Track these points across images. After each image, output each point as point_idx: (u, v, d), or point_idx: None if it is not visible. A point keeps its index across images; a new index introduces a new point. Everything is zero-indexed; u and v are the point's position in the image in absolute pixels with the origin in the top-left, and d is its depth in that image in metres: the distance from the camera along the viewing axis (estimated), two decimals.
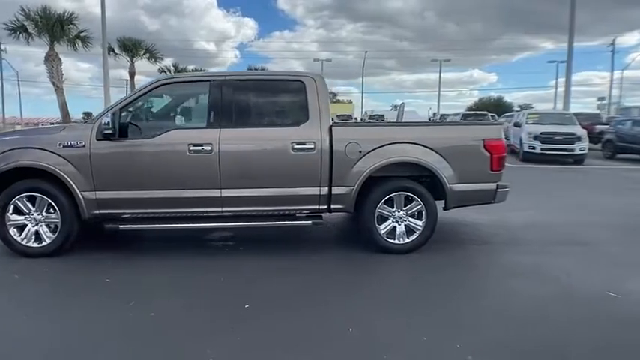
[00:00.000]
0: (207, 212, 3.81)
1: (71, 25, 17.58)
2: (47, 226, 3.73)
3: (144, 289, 3.14)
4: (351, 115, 32.84)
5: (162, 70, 32.42)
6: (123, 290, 3.12)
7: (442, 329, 2.56)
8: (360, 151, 3.75)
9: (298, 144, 3.68)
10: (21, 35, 17.17)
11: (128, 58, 23.32)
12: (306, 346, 2.38)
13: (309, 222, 3.81)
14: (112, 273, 3.45)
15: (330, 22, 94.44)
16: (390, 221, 3.90)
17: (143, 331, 2.52)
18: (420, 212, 3.88)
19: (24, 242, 3.70)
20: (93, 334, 2.49)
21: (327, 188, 3.77)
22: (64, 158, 3.63)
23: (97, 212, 3.73)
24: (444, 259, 3.83)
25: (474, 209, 5.74)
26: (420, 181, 3.92)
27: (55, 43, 17.42)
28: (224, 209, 3.78)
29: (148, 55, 23.93)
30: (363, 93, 50.07)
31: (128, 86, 29.75)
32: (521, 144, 12.58)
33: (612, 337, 2.48)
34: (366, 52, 52.59)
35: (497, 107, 42.81)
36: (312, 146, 3.69)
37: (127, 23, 77.41)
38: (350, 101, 68.76)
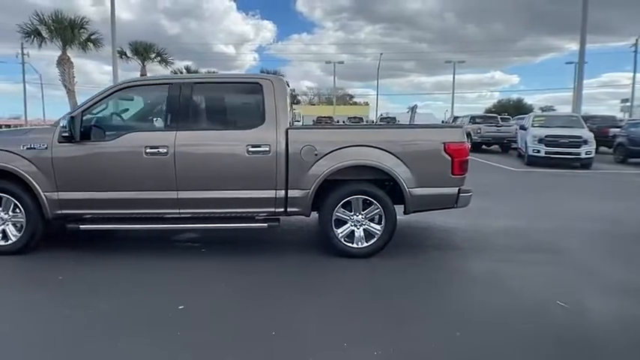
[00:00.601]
0: (164, 214, 3.89)
1: (82, 29, 18.18)
2: (13, 225, 3.89)
3: (90, 289, 3.23)
4: (362, 118, 32.75)
5: (174, 73, 33.19)
6: (70, 289, 3.23)
7: (370, 336, 2.55)
8: (316, 154, 3.76)
9: (253, 146, 3.73)
10: (35, 39, 17.87)
11: (139, 62, 23.93)
12: (212, 347, 2.40)
13: (265, 225, 3.85)
14: (68, 271, 3.56)
15: (348, 24, 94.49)
16: (348, 225, 3.90)
17: (68, 330, 2.59)
18: (379, 216, 3.87)
19: None
20: (16, 330, 2.58)
21: (283, 191, 3.80)
22: (28, 160, 3.77)
23: (60, 212, 3.86)
24: (402, 264, 3.80)
25: (457, 213, 5.73)
26: (382, 185, 3.91)
27: (67, 46, 18.04)
28: (181, 211, 3.86)
29: (159, 58, 24.50)
30: (378, 95, 49.81)
31: None
32: (526, 147, 12.33)
33: (543, 352, 2.42)
34: (381, 54, 52.33)
35: (517, 109, 41.97)
36: (268, 149, 3.73)
37: (148, 27, 79.42)
38: (367, 103, 68.69)
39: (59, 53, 18.30)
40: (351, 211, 3.88)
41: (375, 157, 3.77)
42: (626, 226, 5.24)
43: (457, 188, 3.91)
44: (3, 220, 3.87)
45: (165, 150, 3.72)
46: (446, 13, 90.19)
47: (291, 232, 4.83)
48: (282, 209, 3.85)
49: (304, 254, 4.04)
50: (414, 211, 4.01)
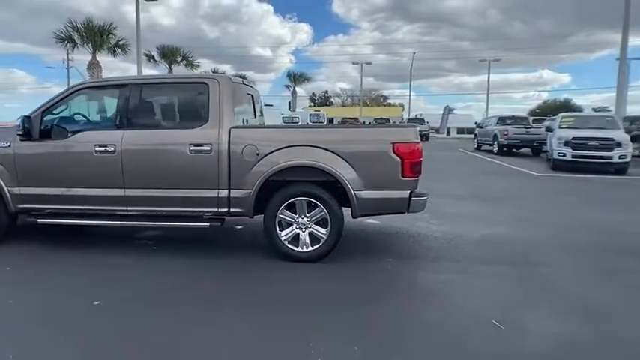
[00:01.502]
0: (114, 211, 4.00)
1: (110, 35, 19.26)
2: None
3: (27, 280, 3.40)
4: (389, 119, 32.24)
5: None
6: (8, 279, 3.40)
7: (255, 345, 2.48)
8: (258, 154, 3.73)
9: (195, 145, 3.75)
10: (68, 44, 19.16)
11: (167, 64, 24.96)
12: (113, 345, 2.43)
13: (207, 224, 3.86)
14: (17, 263, 3.76)
15: (385, 25, 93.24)
16: (293, 227, 3.83)
17: None
18: (324, 220, 3.77)
19: None
20: None
21: (226, 191, 3.80)
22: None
23: (22, 206, 4.08)
24: (345, 271, 3.67)
25: (442, 219, 5.51)
26: (331, 188, 3.80)
27: (97, 51, 19.18)
28: (128, 208, 3.95)
29: (185, 61, 25.45)
30: (410, 96, 48.91)
31: None
32: (551, 150, 11.63)
33: None
34: (414, 53, 51.01)
35: (564, 110, 39.65)
36: (209, 148, 3.74)
37: (189, 32, 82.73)
38: (402, 105, 67.62)
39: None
40: (295, 214, 3.81)
41: (318, 158, 3.67)
42: (624, 240, 4.76)
43: (408, 192, 3.73)
44: None
45: (112, 149, 3.83)
46: (489, 10, 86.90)
47: (254, 234, 4.81)
48: (226, 209, 3.85)
49: (252, 256, 3.99)
50: (363, 215, 3.87)
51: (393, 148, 3.65)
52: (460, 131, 42.47)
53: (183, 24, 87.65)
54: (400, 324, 2.74)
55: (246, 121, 4.43)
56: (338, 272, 3.65)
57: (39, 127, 3.90)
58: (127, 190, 3.88)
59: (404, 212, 3.80)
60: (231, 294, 3.21)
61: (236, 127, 3.82)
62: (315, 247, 3.80)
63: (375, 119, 31.74)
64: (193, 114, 3.98)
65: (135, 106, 3.92)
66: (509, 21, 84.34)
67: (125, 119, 3.91)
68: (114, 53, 19.89)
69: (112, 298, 3.04)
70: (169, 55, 24.61)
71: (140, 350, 2.40)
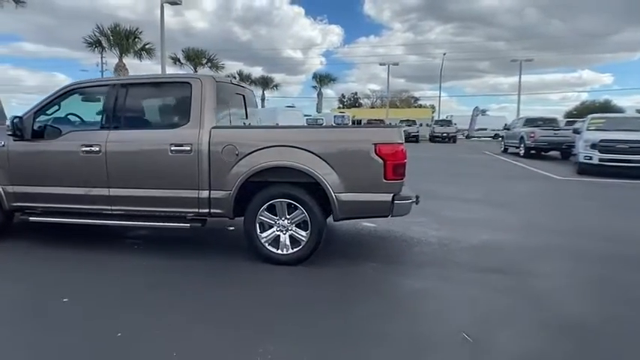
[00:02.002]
0: (100, 210, 4.08)
1: (137, 39, 19.94)
2: None
3: (4, 277, 3.53)
4: (415, 121, 31.66)
5: (227, 77, 34.99)
6: None
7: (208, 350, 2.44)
8: (237, 154, 3.71)
9: (176, 145, 3.77)
10: (96, 48, 20.01)
11: (192, 67, 25.58)
12: (64, 343, 2.46)
13: (188, 225, 3.87)
14: (4, 259, 3.93)
15: (418, 25, 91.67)
16: (273, 229, 3.78)
17: None
18: (304, 222, 3.71)
19: None
20: None
21: (206, 191, 3.80)
22: None
23: (16, 204, 4.25)
24: (325, 275, 3.59)
25: (443, 223, 5.33)
26: (313, 190, 3.72)
27: (124, 54, 19.91)
28: (113, 208, 4.02)
29: (209, 64, 25.99)
30: (440, 97, 48.03)
31: None
32: (577, 153, 11.05)
33: None
34: (444, 54, 49.81)
35: (604, 112, 37.73)
36: (189, 148, 3.75)
37: (222, 35, 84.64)
38: (432, 106, 66.51)
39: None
40: (276, 215, 3.76)
41: (297, 159, 3.61)
42: (636, 249, 4.44)
43: (391, 195, 3.60)
44: None
45: (98, 148, 3.92)
46: (527, 8, 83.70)
47: (234, 235, 4.79)
48: (207, 210, 3.85)
49: (235, 258, 3.96)
50: (345, 218, 3.77)
51: (375, 150, 3.54)
52: (492, 133, 41.13)
53: (216, 27, 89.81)
54: (357, 334, 2.63)
55: (245, 122, 4.43)
56: (314, 276, 3.57)
57: (31, 127, 4.05)
58: (111, 189, 3.95)
59: (387, 216, 3.68)
60: (200, 296, 3.19)
61: (217, 127, 3.81)
62: (295, 249, 3.75)
63: (400, 120, 31.25)
64: (175, 114, 4.02)
65: (120, 107, 4.00)
66: (547, 20, 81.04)
67: (111, 119, 4.00)
68: (140, 56, 20.62)
69: (81, 296, 3.10)
70: (194, 57, 25.23)
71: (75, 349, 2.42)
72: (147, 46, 20.55)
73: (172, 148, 3.77)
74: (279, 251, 3.76)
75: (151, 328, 2.66)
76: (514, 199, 7.39)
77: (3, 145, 4.19)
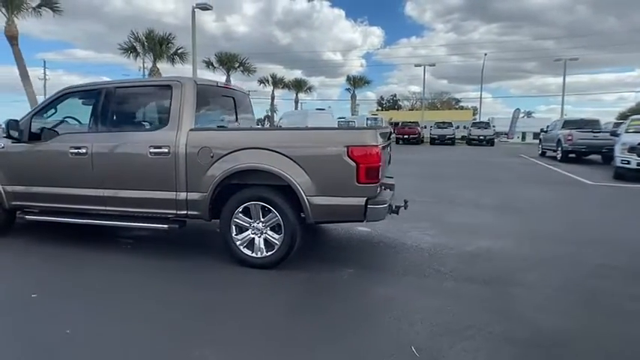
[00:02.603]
0: (91, 210, 4.25)
1: (169, 44, 20.79)
2: None
3: None
4: (451, 123, 30.77)
5: (260, 82, 35.69)
6: None
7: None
8: (212, 156, 3.75)
9: (155, 147, 3.88)
10: (131, 54, 21.06)
11: (224, 71, 26.30)
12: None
13: (165, 226, 3.96)
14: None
15: (461, 25, 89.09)
16: (249, 232, 3.79)
17: None
18: (277, 225, 3.69)
19: None
20: None
21: (184, 193, 3.87)
22: None
23: (15, 203, 4.53)
24: (296, 280, 3.55)
25: (445, 229, 5.15)
26: (286, 192, 3.69)
27: (157, 59, 20.81)
28: (102, 208, 4.19)
29: (241, 67, 26.60)
30: (481, 98, 46.37)
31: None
32: (614, 157, 10.29)
33: None
34: (485, 54, 47.76)
35: None
36: (167, 150, 3.84)
37: (262, 38, 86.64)
38: (475, 108, 64.55)
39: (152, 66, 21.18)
40: (251, 218, 3.77)
41: (270, 161, 3.60)
42: None
43: (364, 199, 3.51)
44: None
45: (84, 150, 4.10)
46: (578, 5, 79.07)
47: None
48: (185, 212, 3.92)
49: (210, 259, 3.98)
50: (318, 222, 3.72)
51: (348, 152, 3.47)
52: (536, 136, 39.27)
53: (256, 31, 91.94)
54: (298, 342, 2.58)
55: (235, 125, 4.48)
56: (283, 280, 3.56)
57: (28, 130, 4.30)
58: (97, 190, 4.12)
59: (362, 220, 3.59)
60: (159, 296, 3.26)
61: (194, 130, 3.88)
62: (269, 253, 3.74)
63: (435, 122, 30.54)
64: (156, 117, 4.13)
65: (106, 110, 4.17)
66: (601, 16, 76.43)
67: (98, 122, 4.17)
68: (173, 61, 21.48)
69: (51, 291, 3.24)
70: (226, 61, 25.93)
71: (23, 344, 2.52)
72: (179, 51, 21.38)
73: (151, 150, 3.88)
74: (254, 254, 3.77)
75: (97, 326, 2.74)
76: (532, 206, 6.99)
77: (2, 147, 4.48)
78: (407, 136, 30.97)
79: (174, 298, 3.21)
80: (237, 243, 3.79)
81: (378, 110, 64.63)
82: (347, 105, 42.82)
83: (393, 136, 24.14)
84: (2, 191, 4.49)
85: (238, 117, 4.92)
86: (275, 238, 3.70)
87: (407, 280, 3.57)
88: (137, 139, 4.00)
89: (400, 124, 33.87)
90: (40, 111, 4.45)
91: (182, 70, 24.95)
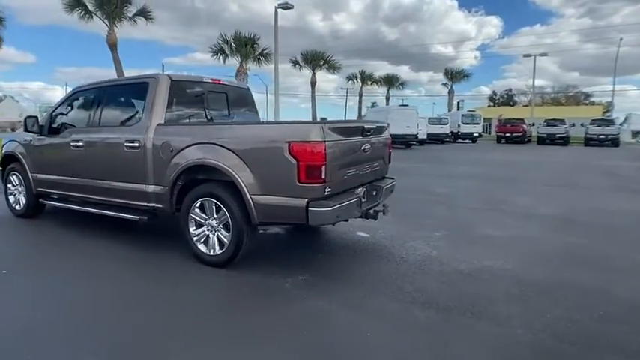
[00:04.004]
0: (90, 198, 4.69)
1: (255, 45, 22.02)
2: (24, 196, 5.47)
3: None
4: (563, 120, 27.01)
5: (349, 78, 35.74)
6: None
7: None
8: (172, 151, 3.83)
9: (128, 141, 4.11)
10: (220, 56, 22.83)
11: (309, 68, 26.95)
12: None
13: (136, 217, 4.17)
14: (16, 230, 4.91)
15: (597, 8, 77.84)
16: (204, 229, 3.79)
17: None
18: (227, 223, 3.63)
19: (15, 207, 5.59)
20: None
21: (152, 186, 4.03)
22: (24, 148, 5.29)
23: (39, 190, 5.22)
24: (242, 282, 3.42)
25: (455, 240, 4.60)
26: (235, 190, 3.56)
27: (243, 60, 22.21)
28: (98, 197, 4.57)
29: (326, 65, 26.96)
30: (614, 91, 39.99)
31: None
32: None
33: None
34: (620, 39, 40.95)
35: None
36: (138, 144, 4.03)
37: (368, 35, 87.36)
38: (607, 103, 56.34)
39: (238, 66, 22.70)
40: (206, 215, 3.77)
41: (218, 157, 3.54)
42: None
43: (305, 200, 3.24)
44: (19, 191, 5.51)
45: (81, 144, 4.55)
46: None
47: None
48: (153, 204, 4.08)
49: (179, 254, 4.08)
50: (263, 223, 3.55)
51: (289, 148, 3.24)
52: None
53: (362, 28, 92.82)
54: (210, 346, 2.47)
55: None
56: (230, 281, 3.48)
57: (49, 125, 4.92)
58: (90, 180, 4.52)
59: (305, 223, 3.32)
60: (109, 281, 3.43)
61: (160, 125, 4.01)
62: (219, 252, 3.70)
63: (545, 120, 27.24)
64: (135, 112, 4.34)
65: (99, 106, 4.55)
66: None
67: (92, 118, 4.58)
68: (258, 61, 22.72)
69: (22, 270, 3.65)
70: (311, 59, 26.54)
71: None
72: (264, 52, 22.53)
73: (126, 144, 4.12)
74: (208, 251, 3.76)
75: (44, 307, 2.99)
76: (606, 222, 5.74)
77: (31, 140, 5.20)
78: (509, 134, 28.34)
79: (115, 286, 3.36)
80: (195, 239, 3.81)
81: (489, 106, 60.17)
82: (454, 101, 40.25)
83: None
84: (31, 179, 5.22)
85: (231, 112, 4.96)
86: (225, 236, 3.65)
87: (358, 296, 3.19)
88: (117, 134, 4.27)
89: (502, 121, 30.99)
90: (58, 108, 5.05)
91: (270, 69, 26.24)
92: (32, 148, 5.17)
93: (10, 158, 5.50)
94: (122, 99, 4.63)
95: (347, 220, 3.90)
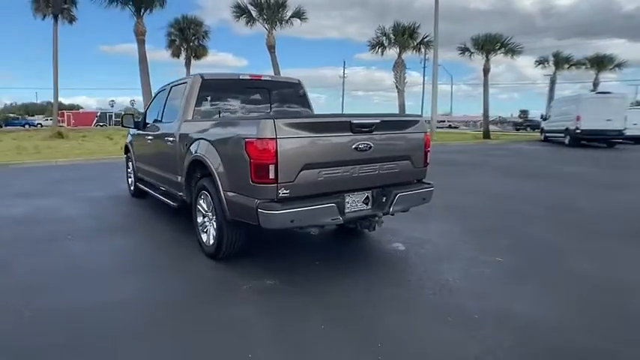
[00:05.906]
0: (155, 184, 5.62)
1: (414, 34, 21.32)
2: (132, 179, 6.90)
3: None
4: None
5: (539, 62, 30.95)
6: None
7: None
8: (186, 144, 4.25)
9: (168, 136, 4.75)
10: (379, 49, 22.89)
11: (483, 55, 24.44)
12: None
13: (173, 203, 4.77)
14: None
15: None
16: (205, 219, 4.09)
17: None
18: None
19: (131, 187, 7.09)
20: None
21: (179, 176, 4.56)
22: (133, 139, 6.63)
23: (138, 174, 6.48)
24: (236, 277, 3.56)
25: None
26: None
27: (402, 51, 21.80)
28: (158, 184, 5.46)
29: (503, 49, 23.95)
30: None
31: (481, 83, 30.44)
32: None
33: None
34: None
35: None
36: (172, 138, 4.62)
37: (593, 7, 74.15)
38: None
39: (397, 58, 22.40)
40: (206, 207, 4.05)
41: (206, 152, 3.79)
42: None
43: (255, 200, 3.17)
44: (130, 175, 6.98)
45: (150, 137, 5.48)
46: None
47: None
48: (181, 193, 4.61)
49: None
50: (234, 220, 3.58)
51: (245, 145, 3.24)
52: None
53: (584, 1, 79.05)
54: (146, 340, 2.60)
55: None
56: (205, 276, 3.64)
57: (144, 120, 6.06)
58: (152, 167, 5.42)
59: (256, 224, 3.25)
60: (108, 264, 4.09)
61: (186, 121, 4.48)
62: (210, 244, 3.94)
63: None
64: (177, 110, 4.91)
65: (164, 104, 5.35)
66: None
67: (159, 114, 5.43)
68: (419, 50, 21.95)
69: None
70: (483, 44, 24.03)
71: None
72: (425, 39, 21.62)
73: (167, 139, 4.78)
74: (206, 242, 4.05)
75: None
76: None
77: (132, 134, 6.50)
78: None
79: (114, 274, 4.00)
80: (199, 228, 4.16)
81: None
82: None
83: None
84: (134, 164, 6.54)
85: (273, 107, 5.13)
86: (215, 230, 3.87)
87: (317, 302, 3.00)
88: (165, 129, 4.98)
89: None
90: (150, 105, 6.15)
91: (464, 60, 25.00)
92: (134, 139, 6.48)
93: (127, 147, 7.01)
94: (175, 97, 5.35)
95: (323, 227, 3.61)
